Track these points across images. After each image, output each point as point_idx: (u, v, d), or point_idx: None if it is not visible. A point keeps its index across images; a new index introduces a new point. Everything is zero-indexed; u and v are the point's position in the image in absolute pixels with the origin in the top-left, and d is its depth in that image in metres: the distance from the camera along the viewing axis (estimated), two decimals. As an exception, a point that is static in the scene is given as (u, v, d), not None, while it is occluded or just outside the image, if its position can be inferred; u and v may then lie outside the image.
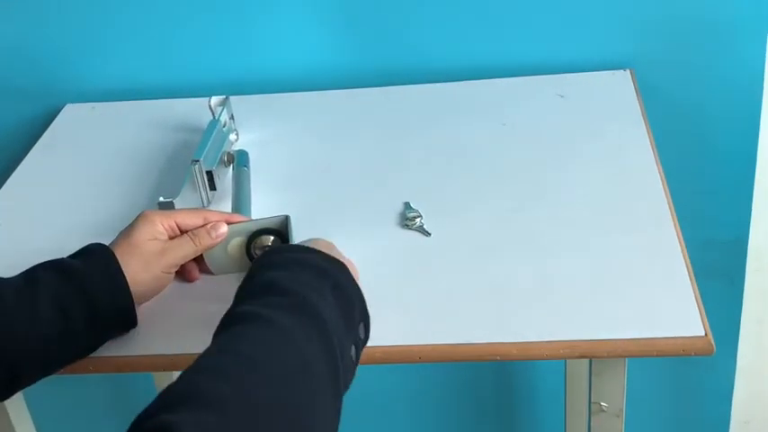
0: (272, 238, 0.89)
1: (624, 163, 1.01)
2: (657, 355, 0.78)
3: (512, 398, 1.55)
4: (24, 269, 0.81)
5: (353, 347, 0.70)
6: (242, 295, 0.71)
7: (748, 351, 1.39)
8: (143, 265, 0.83)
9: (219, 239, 0.87)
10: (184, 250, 0.86)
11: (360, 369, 0.78)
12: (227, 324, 0.67)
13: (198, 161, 0.97)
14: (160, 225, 0.85)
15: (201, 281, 0.90)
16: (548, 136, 1.08)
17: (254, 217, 0.94)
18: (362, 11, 1.21)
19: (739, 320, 1.36)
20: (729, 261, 1.33)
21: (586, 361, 1.33)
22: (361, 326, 0.73)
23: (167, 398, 0.57)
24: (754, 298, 1.35)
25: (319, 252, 0.75)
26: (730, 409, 1.46)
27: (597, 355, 0.79)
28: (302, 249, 0.76)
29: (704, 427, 1.52)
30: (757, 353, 1.40)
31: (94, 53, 1.28)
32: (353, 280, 0.74)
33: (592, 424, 0.87)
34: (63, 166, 1.14)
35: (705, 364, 1.42)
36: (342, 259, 0.77)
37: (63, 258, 0.82)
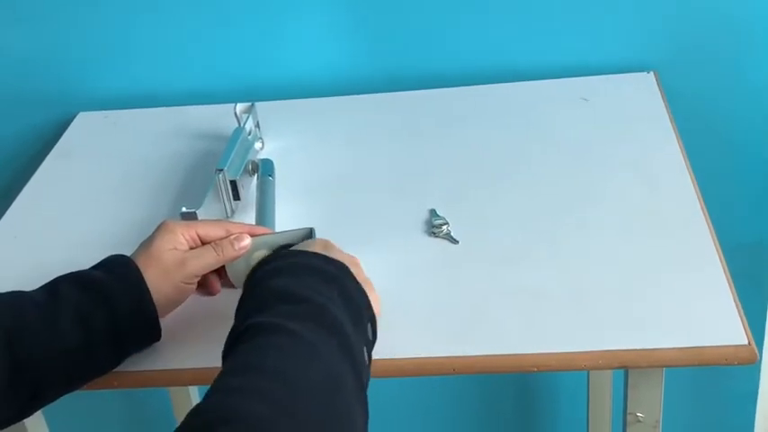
0: None
1: (654, 166, 1.00)
2: (699, 365, 0.77)
3: (532, 407, 1.54)
4: (41, 281, 0.80)
5: (365, 349, 0.69)
6: (252, 305, 0.69)
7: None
8: (163, 276, 0.81)
9: (243, 251, 0.86)
10: (206, 260, 0.84)
11: (378, 381, 0.77)
12: (245, 336, 0.65)
13: (222, 170, 0.96)
14: (181, 235, 0.84)
15: (223, 294, 0.88)
16: (573, 140, 1.07)
17: (278, 228, 0.93)
18: (385, 14, 1.20)
19: (765, 325, 1.35)
20: (754, 264, 1.31)
21: (610, 371, 1.32)
22: (369, 326, 0.72)
23: (203, 423, 0.55)
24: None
25: (321, 255, 0.74)
26: (755, 416, 1.44)
27: (638, 366, 0.78)
28: (304, 254, 0.75)
29: (728, 432, 1.51)
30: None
31: (107, 59, 1.26)
32: (357, 282, 0.73)
33: (627, 435, 0.85)
34: (79, 176, 1.13)
35: (729, 369, 1.40)
36: (342, 258, 0.75)
37: (84, 270, 0.81)
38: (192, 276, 0.83)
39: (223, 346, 0.67)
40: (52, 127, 1.28)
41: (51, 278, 0.80)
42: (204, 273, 0.85)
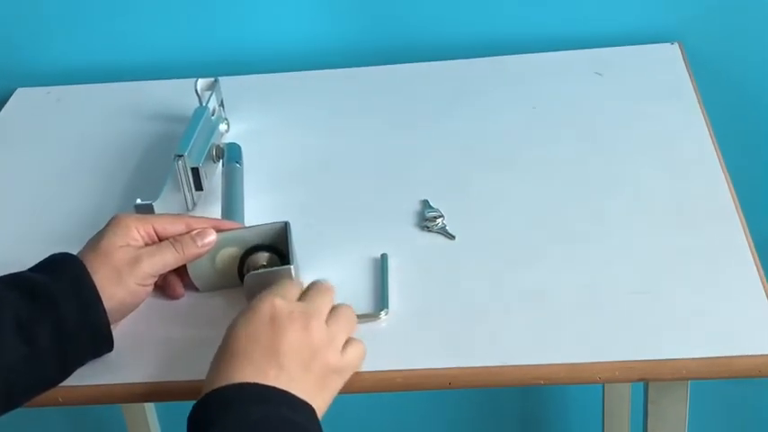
0: (267, 254, 0.88)
1: (677, 151, 1.01)
2: (729, 378, 0.78)
3: (540, 425, 1.55)
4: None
5: None
6: None
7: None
8: (114, 277, 0.82)
9: (206, 249, 0.86)
10: (164, 259, 0.84)
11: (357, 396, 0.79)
12: None
13: (182, 156, 0.96)
14: (135, 230, 0.84)
15: (185, 298, 0.89)
16: (586, 121, 1.08)
17: (247, 222, 0.93)
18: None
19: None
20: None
21: (628, 384, 1.33)
22: None
23: None
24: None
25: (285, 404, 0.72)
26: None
27: (659, 378, 0.78)
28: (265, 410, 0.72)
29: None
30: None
31: (49, 27, 1.26)
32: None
33: (648, 457, 0.86)
34: (17, 161, 1.13)
35: (763, 382, 1.42)
36: (312, 300, 0.77)
37: (24, 272, 0.81)
38: (148, 277, 0.84)
39: None
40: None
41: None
42: (161, 272, 0.85)
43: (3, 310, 0.76)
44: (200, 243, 0.86)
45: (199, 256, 0.86)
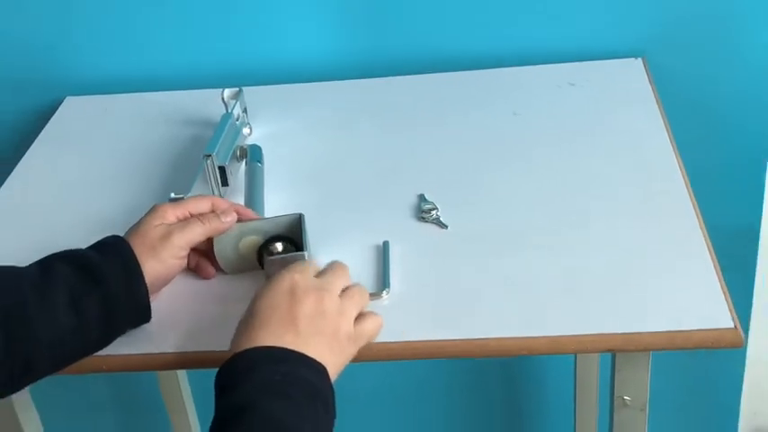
0: (283, 242, 0.88)
1: (642, 152, 1.01)
2: (685, 348, 0.78)
3: (520, 392, 1.55)
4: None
5: None
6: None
7: (760, 341, 1.39)
8: (151, 252, 0.82)
9: (229, 224, 0.87)
10: (192, 231, 0.85)
11: (363, 365, 0.79)
12: None
13: (210, 156, 0.96)
14: (170, 212, 0.85)
15: (215, 280, 0.89)
16: (561, 126, 1.08)
17: (266, 214, 0.94)
18: (374, 0, 1.20)
19: (750, 310, 1.36)
20: (740, 249, 1.32)
21: (597, 354, 1.33)
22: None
23: None
24: (766, 287, 1.34)
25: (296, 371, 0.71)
26: (740, 399, 1.46)
27: (626, 349, 0.79)
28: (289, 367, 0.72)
29: (713, 418, 1.52)
30: (768, 342, 1.40)
31: (94, 43, 1.26)
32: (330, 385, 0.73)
33: (615, 419, 0.86)
34: (66, 163, 1.13)
35: (714, 353, 1.42)
36: (325, 278, 0.77)
37: (79, 249, 0.82)
38: (179, 249, 0.84)
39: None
40: (39, 112, 1.28)
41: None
42: (192, 245, 0.85)
43: (59, 282, 0.77)
44: (223, 219, 0.86)
45: (222, 231, 0.87)
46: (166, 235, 0.83)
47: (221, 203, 0.88)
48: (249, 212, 0.90)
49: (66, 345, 0.77)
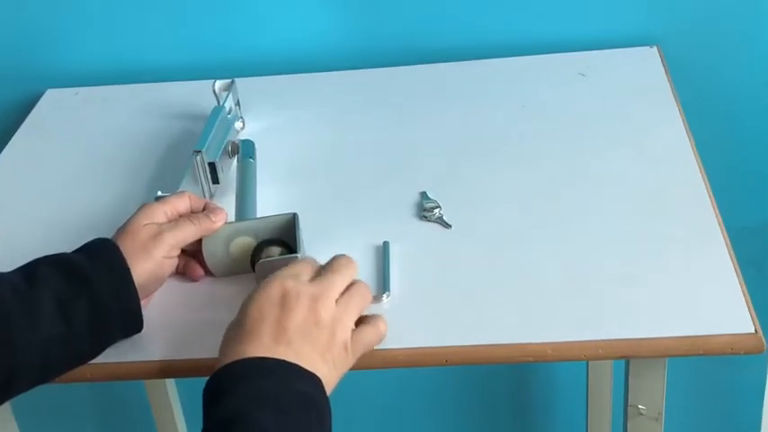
0: (277, 242, 0.87)
1: (656, 146, 1.00)
2: (703, 354, 0.77)
3: (529, 399, 1.55)
4: (12, 263, 0.79)
5: None
6: None
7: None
8: (142, 252, 0.82)
9: (219, 224, 0.87)
10: (183, 231, 0.85)
11: (370, 372, 0.79)
12: None
13: (200, 152, 0.96)
14: (160, 210, 0.85)
15: (204, 283, 0.89)
16: (571, 118, 1.07)
17: (259, 213, 0.93)
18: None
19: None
20: (761, 249, 1.32)
21: (610, 361, 1.33)
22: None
23: None
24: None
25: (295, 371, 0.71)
26: (762, 409, 1.45)
27: (639, 355, 0.78)
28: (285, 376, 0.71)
29: (732, 428, 1.52)
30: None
31: (77, 33, 1.25)
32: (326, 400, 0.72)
33: (629, 428, 0.86)
34: (48, 158, 1.12)
35: (735, 359, 1.41)
36: (333, 276, 0.77)
37: (65, 254, 0.81)
38: (171, 248, 0.84)
39: None
40: (18, 105, 1.27)
41: (22, 260, 0.80)
42: (183, 244, 0.85)
43: (44, 289, 0.76)
44: (213, 218, 0.87)
45: (213, 230, 0.87)
46: (157, 234, 0.83)
47: (194, 199, 0.89)
48: (214, 206, 0.89)
49: (52, 355, 0.76)
